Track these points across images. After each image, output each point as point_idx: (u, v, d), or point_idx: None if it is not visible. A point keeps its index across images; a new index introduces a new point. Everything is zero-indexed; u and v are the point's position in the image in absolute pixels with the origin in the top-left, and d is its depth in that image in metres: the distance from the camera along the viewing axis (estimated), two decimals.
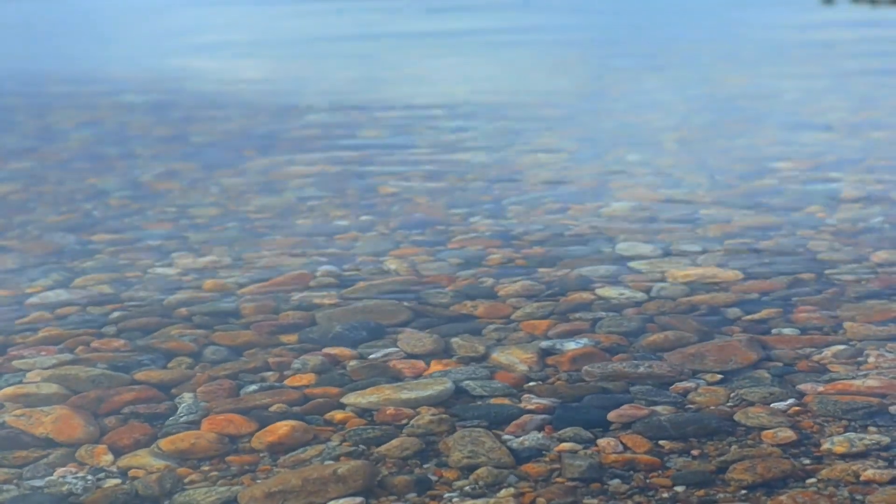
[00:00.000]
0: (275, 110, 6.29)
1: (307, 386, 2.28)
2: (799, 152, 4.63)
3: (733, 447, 1.94)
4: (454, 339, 2.52)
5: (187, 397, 2.24)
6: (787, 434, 1.98)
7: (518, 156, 4.72)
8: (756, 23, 11.91)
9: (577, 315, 2.67)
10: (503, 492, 1.80)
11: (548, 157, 4.65)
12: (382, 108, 6.32)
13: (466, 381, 2.27)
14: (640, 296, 2.80)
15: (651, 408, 2.11)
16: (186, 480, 1.88)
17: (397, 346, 2.50)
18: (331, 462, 1.92)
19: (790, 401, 2.13)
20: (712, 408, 2.11)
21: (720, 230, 3.42)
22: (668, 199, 3.85)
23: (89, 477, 1.91)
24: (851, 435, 1.97)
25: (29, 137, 5.58)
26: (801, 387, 2.19)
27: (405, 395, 2.20)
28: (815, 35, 10.48)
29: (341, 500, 1.78)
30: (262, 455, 1.97)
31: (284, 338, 2.59)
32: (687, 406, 2.12)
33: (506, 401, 2.17)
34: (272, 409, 2.16)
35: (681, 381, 2.25)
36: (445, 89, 7.08)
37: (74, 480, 1.89)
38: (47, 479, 1.90)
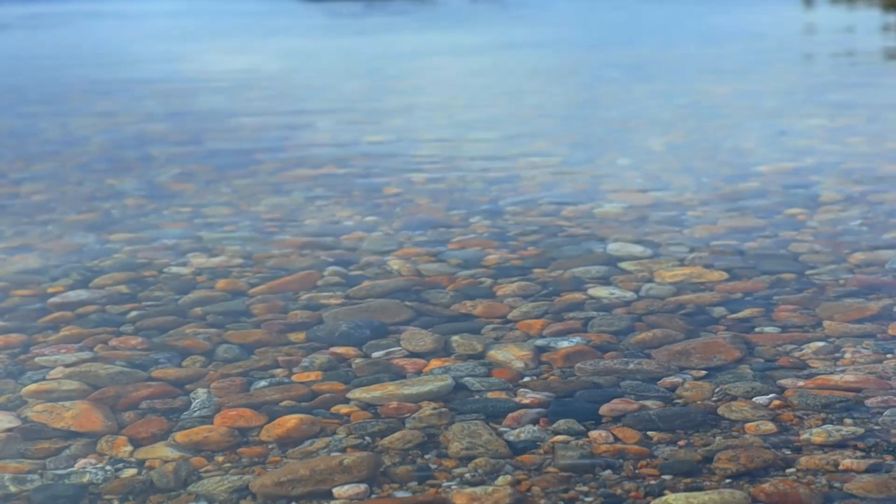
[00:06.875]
0: (283, 116, 6.35)
1: (314, 382, 2.36)
2: (780, 157, 4.67)
3: (718, 438, 2.01)
4: (454, 338, 2.59)
5: (201, 393, 2.32)
6: (769, 427, 2.05)
7: (515, 160, 4.77)
8: (739, 30, 11.97)
9: (571, 315, 2.73)
10: (500, 480, 1.88)
11: (543, 162, 4.69)
12: (385, 114, 6.38)
13: (465, 378, 2.34)
14: (630, 295, 2.87)
15: (640, 402, 2.18)
16: (201, 470, 1.96)
17: (400, 345, 2.57)
18: (337, 453, 1.99)
19: (771, 395, 2.20)
20: (698, 402, 2.18)
21: (706, 231, 3.47)
22: (657, 201, 3.90)
23: (108, 467, 1.98)
24: (829, 426, 2.04)
25: (51, 142, 5.64)
26: (782, 382, 2.26)
27: (407, 390, 2.27)
28: (797, 44, 10.55)
29: (346, 487, 1.87)
30: (271, 447, 2.05)
31: (293, 336, 2.66)
32: (674, 400, 2.19)
33: (502, 395, 2.25)
34: (281, 403, 2.24)
35: (668, 376, 2.32)
36: (444, 99, 7.15)
37: (94, 470, 1.97)
38: (69, 469, 1.98)
